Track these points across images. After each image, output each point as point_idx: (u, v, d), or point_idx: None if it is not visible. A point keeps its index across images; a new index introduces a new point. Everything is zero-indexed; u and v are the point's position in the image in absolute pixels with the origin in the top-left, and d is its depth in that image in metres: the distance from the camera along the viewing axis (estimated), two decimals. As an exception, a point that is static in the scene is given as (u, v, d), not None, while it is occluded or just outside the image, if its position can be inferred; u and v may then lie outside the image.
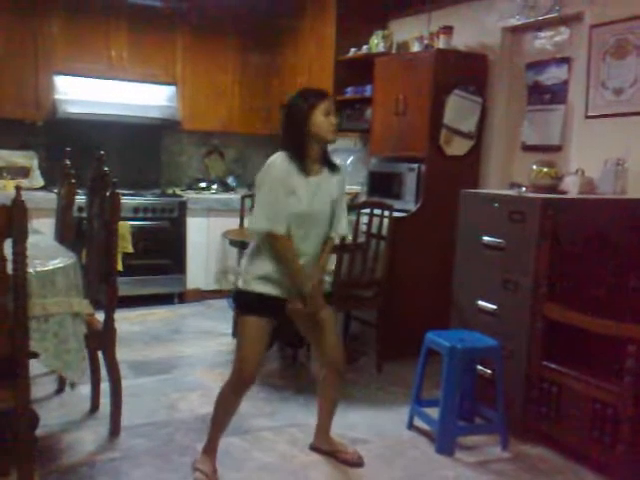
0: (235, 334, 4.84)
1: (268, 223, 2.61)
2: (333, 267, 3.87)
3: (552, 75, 4.22)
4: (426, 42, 4.68)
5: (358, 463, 2.99)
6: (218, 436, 2.85)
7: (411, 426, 3.39)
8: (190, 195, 5.90)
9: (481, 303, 3.56)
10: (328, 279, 3.62)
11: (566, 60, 4.13)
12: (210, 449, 2.84)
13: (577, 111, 4.00)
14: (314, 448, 3.11)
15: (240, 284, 2.78)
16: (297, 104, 2.69)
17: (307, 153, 2.68)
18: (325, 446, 3.09)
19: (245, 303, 2.78)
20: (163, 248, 5.66)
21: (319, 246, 2.80)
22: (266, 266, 2.70)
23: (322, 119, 2.65)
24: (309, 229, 2.72)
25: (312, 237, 2.74)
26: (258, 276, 2.71)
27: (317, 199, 2.70)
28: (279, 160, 2.65)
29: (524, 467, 3.04)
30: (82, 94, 5.53)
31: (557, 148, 4.16)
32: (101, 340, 3.10)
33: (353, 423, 3.42)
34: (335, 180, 2.79)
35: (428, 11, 4.88)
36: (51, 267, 2.46)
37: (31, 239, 2.29)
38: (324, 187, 2.73)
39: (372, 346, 4.38)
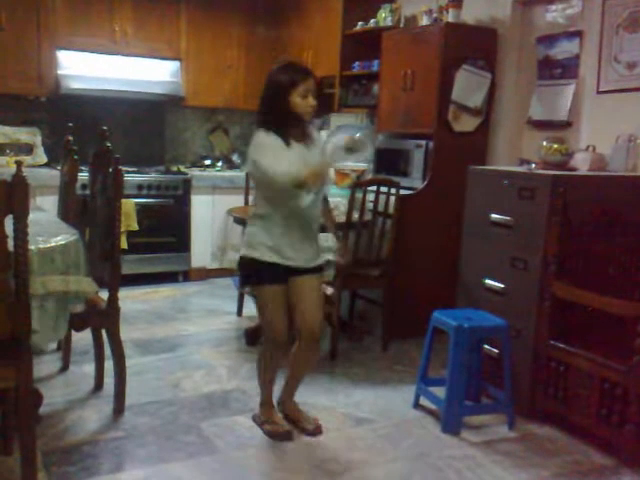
0: (239, 313, 4.84)
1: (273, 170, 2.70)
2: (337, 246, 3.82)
3: (563, 49, 4.12)
4: (435, 16, 4.58)
5: (315, 432, 3.02)
6: (271, 392, 3.06)
7: (417, 405, 3.37)
8: (194, 172, 5.85)
9: (488, 282, 3.51)
10: (331, 258, 3.59)
11: (578, 34, 4.03)
12: (267, 403, 3.06)
13: (588, 86, 3.92)
14: (284, 414, 3.12)
15: (246, 252, 2.86)
16: (278, 81, 2.77)
17: (287, 126, 2.80)
18: (289, 412, 3.12)
19: (255, 272, 2.86)
20: (167, 226, 5.62)
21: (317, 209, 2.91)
22: (273, 236, 2.80)
23: (299, 101, 2.74)
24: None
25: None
26: (266, 245, 2.80)
27: (302, 165, 2.75)
28: (262, 134, 2.81)
29: (531, 447, 3.02)
30: (85, 69, 5.47)
31: (567, 124, 4.07)
32: (105, 318, 3.08)
33: (358, 402, 3.40)
34: (316, 150, 2.86)
35: (437, -16, 4.78)
36: (53, 244, 2.43)
37: (33, 216, 2.25)
38: (308, 156, 2.80)
39: (378, 325, 4.35)
